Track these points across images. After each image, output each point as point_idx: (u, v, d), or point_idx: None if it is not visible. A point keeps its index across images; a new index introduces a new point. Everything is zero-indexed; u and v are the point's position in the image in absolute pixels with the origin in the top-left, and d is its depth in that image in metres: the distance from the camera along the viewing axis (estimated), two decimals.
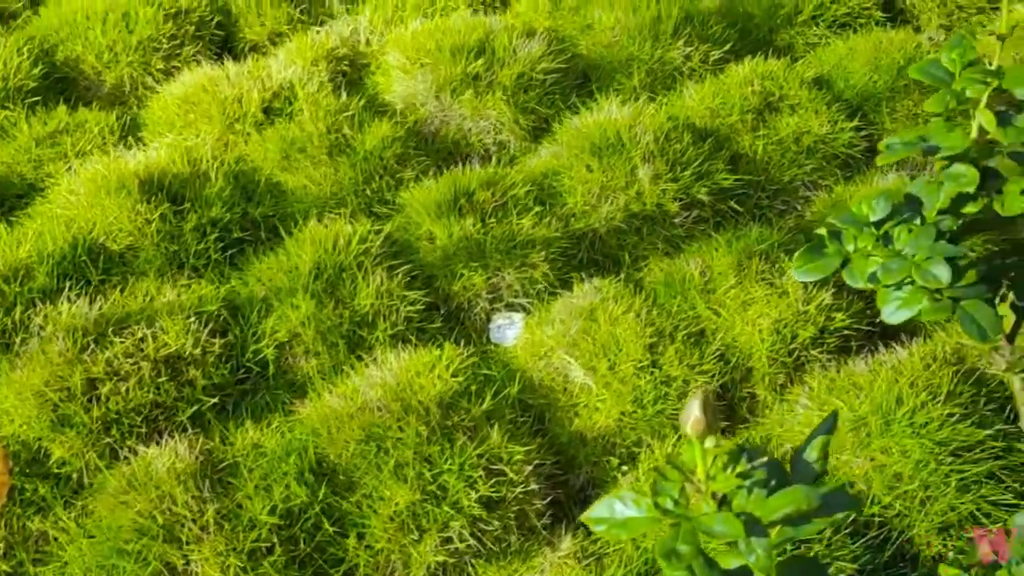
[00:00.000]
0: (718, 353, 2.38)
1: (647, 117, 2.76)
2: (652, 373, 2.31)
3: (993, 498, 2.12)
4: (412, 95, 2.95)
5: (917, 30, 3.29)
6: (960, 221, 1.42)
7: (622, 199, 2.64)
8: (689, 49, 3.01)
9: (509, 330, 2.52)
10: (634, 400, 2.28)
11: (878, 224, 1.40)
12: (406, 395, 2.20)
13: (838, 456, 2.18)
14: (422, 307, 2.46)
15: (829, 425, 1.16)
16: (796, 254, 1.45)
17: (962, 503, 2.12)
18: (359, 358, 2.36)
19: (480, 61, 2.91)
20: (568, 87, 3.02)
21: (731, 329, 2.41)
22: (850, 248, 1.39)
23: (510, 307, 2.55)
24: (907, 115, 2.92)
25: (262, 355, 2.35)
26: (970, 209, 1.43)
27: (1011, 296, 1.47)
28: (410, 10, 3.26)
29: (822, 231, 1.42)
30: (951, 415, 2.17)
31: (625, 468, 2.28)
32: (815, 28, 3.18)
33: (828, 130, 2.84)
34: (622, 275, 2.60)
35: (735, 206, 2.72)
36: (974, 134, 1.43)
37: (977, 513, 2.10)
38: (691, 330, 2.41)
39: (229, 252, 2.56)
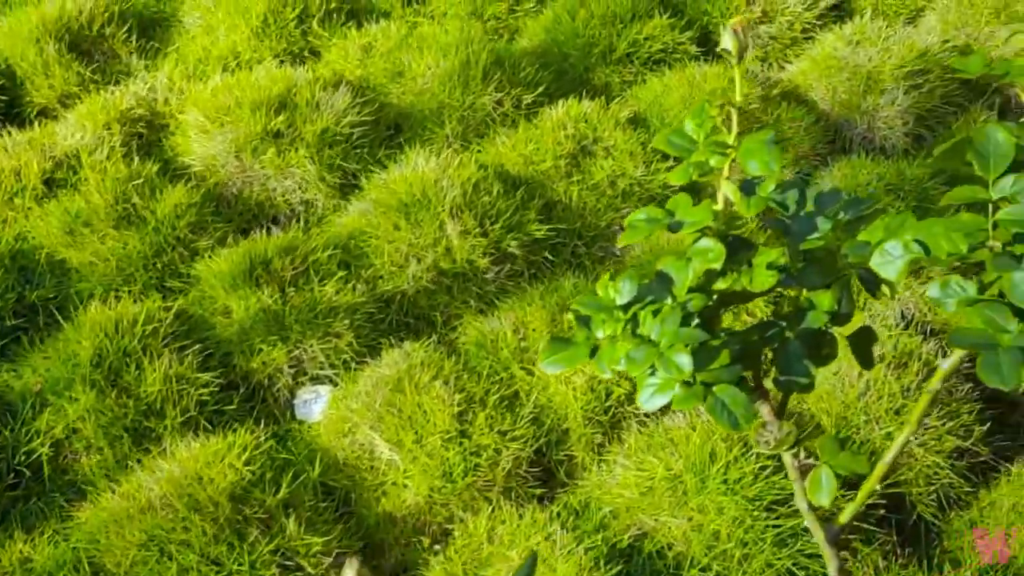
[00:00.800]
0: (532, 416, 2.28)
1: (455, 169, 2.66)
2: (461, 443, 2.20)
3: (809, 551, 2.07)
4: (212, 156, 2.79)
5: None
6: (713, 297, 1.35)
7: (431, 257, 2.53)
8: (500, 95, 2.93)
9: (315, 404, 2.38)
10: (443, 474, 2.16)
11: (625, 307, 1.33)
12: (194, 489, 2.04)
13: (656, 517, 2.11)
14: (217, 388, 2.31)
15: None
16: (543, 343, 1.35)
17: (779, 559, 2.06)
18: (146, 451, 2.19)
19: (281, 117, 2.77)
20: (378, 139, 2.90)
21: (545, 389, 2.32)
22: (600, 335, 1.31)
23: (316, 380, 2.41)
24: None
25: (36, 455, 2.16)
26: (720, 285, 1.36)
27: (773, 371, 1.41)
28: (213, 63, 3.11)
29: (572, 315, 1.34)
30: (763, 468, 2.12)
31: (437, 547, 2.16)
32: (631, 65, 3.13)
33: (644, 172, 2.79)
34: (434, 337, 2.49)
35: (550, 256, 2.63)
36: (720, 205, 1.37)
37: (794, 568, 2.05)
38: (504, 393, 2.31)
39: (1, 343, 2.37)
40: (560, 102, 2.95)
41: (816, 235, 1.42)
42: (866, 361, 1.48)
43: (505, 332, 2.41)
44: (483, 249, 2.54)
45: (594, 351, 1.31)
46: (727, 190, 1.33)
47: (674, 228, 1.33)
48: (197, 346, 2.34)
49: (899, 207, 2.72)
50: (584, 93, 3.04)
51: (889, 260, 1.29)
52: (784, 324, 1.41)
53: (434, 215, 2.56)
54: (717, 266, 1.32)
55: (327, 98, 2.84)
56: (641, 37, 3.15)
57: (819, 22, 3.34)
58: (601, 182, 2.76)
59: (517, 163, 2.79)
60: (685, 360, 1.23)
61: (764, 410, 1.46)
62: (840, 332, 1.45)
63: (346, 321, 2.41)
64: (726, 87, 2.99)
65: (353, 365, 2.40)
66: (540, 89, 3.00)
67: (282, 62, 3.12)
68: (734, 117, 1.33)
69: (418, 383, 2.28)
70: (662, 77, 3.09)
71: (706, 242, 1.33)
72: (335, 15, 3.26)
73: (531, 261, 2.61)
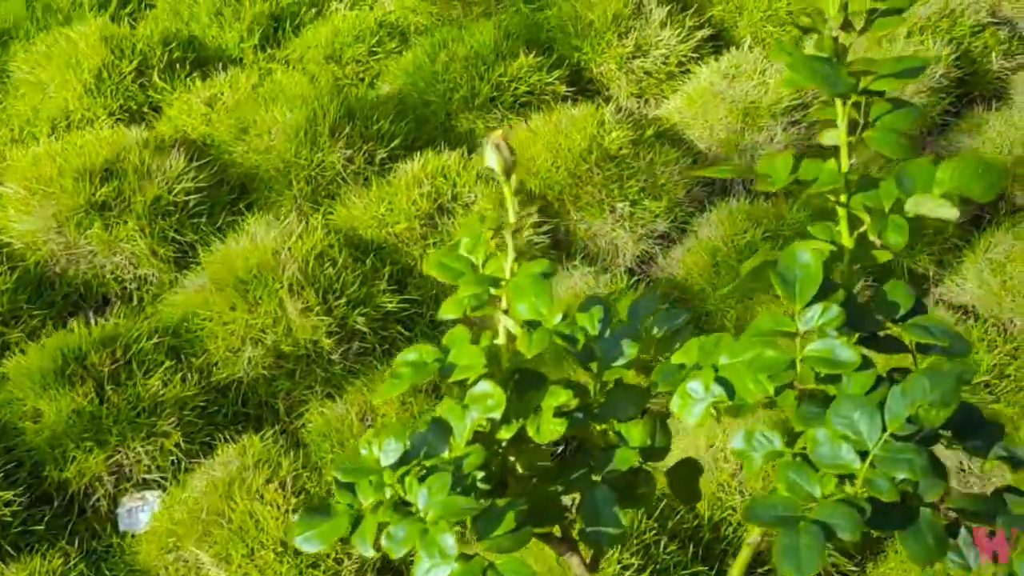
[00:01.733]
0: None
1: (298, 238, 2.45)
2: (298, 556, 1.99)
3: None
4: (32, 232, 2.54)
5: (608, 100, 3.11)
6: (496, 455, 1.17)
7: (270, 339, 2.31)
8: (351, 151, 2.72)
9: (141, 513, 2.15)
10: None
11: (395, 466, 1.14)
12: None
13: None
14: (22, 505, 2.07)
15: None
16: (298, 515, 1.16)
17: None
18: None
19: (108, 186, 2.54)
20: (220, 204, 2.68)
21: None
22: (364, 502, 1.12)
23: (142, 485, 2.18)
24: (593, 202, 2.71)
25: None
26: (504, 435, 1.18)
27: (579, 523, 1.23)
28: (42, 124, 2.86)
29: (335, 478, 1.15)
30: None
31: None
32: (495, 110, 2.94)
33: None
34: (277, 427, 2.28)
35: (402, 331, 2.43)
36: (502, 339, 1.18)
37: None
38: None
39: None
40: (418, 155, 2.75)
41: (621, 361, 1.24)
42: (690, 496, 1.31)
43: (351, 419, 2.20)
44: (327, 328, 2.33)
45: (358, 522, 1.11)
46: (508, 324, 1.14)
47: (445, 372, 1.14)
48: (3, 457, 2.11)
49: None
50: (445, 143, 2.85)
51: (690, 402, 1.11)
52: (591, 465, 1.23)
53: (272, 292, 2.34)
54: (497, 415, 1.13)
55: (160, 162, 2.61)
56: (506, 79, 2.96)
57: (695, 55, 3.18)
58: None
59: (369, 226, 2.59)
60: (449, 542, 1.03)
61: (574, 563, 1.27)
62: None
63: (174, 418, 2.19)
64: (596, 132, 2.81)
65: (184, 466, 2.18)
66: (396, 142, 2.79)
67: (118, 121, 2.88)
68: (509, 243, 1.14)
69: (251, 487, 2.07)
70: (529, 121, 2.90)
71: (485, 386, 1.14)
72: (178, 66, 3.03)
73: (382, 337, 2.41)
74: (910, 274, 2.75)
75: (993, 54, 3.35)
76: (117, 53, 2.97)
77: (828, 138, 1.17)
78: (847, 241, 1.14)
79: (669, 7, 3.24)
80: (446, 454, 1.14)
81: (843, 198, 1.15)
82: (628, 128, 2.89)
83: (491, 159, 1.12)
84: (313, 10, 3.33)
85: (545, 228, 2.67)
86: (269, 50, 3.20)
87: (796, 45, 1.22)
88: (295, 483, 2.09)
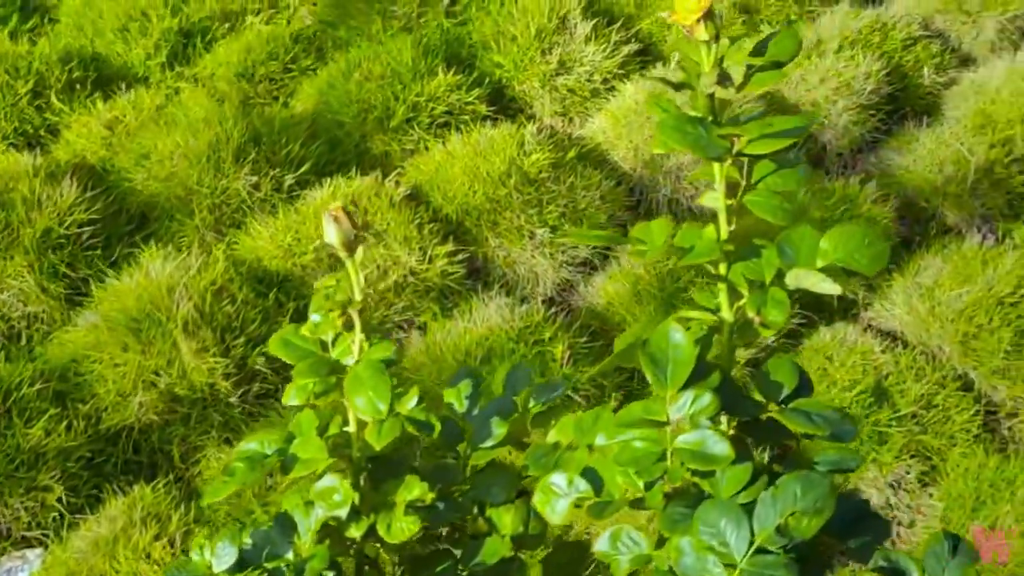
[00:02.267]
0: None
1: (195, 273, 2.32)
2: None
3: None
4: None
5: (531, 119, 3.00)
6: (349, 551, 1.06)
7: (164, 382, 2.19)
8: (257, 177, 2.59)
9: (21, 573, 2.02)
10: None
11: (230, 572, 1.03)
12: None
13: None
14: None
15: None
16: None
17: None
18: None
19: None
20: (117, 235, 2.54)
21: None
22: None
23: (22, 543, 2.05)
24: (511, 228, 2.60)
25: None
26: (353, 533, 1.07)
27: None
28: None
29: None
30: None
31: None
32: (412, 132, 2.82)
33: (419, 259, 2.49)
34: (171, 476, 2.16)
35: None
36: (353, 427, 1.07)
37: None
38: None
39: None
40: (329, 180, 2.63)
41: (490, 442, 1.14)
42: None
43: None
44: (224, 369, 2.21)
45: None
46: (354, 411, 1.04)
47: (286, 467, 1.03)
48: None
49: (687, 295, 2.48)
50: (359, 167, 2.73)
51: (552, 498, 1.01)
52: (455, 558, 1.13)
53: (166, 332, 2.22)
54: (343, 513, 1.02)
55: (52, 191, 2.47)
56: (423, 99, 2.85)
57: (622, 71, 3.08)
58: (370, 275, 2.45)
59: (276, 257, 2.47)
60: None
61: None
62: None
63: (57, 470, 2.06)
64: (516, 155, 2.71)
65: (67, 522, 2.05)
66: (306, 166, 2.67)
67: (12, 146, 2.73)
68: (356, 322, 1.04)
69: (137, 544, 1.94)
70: (447, 144, 2.79)
71: (330, 480, 1.03)
72: (78, 85, 2.88)
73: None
74: (838, 298, 2.68)
75: (925, 68, 3.29)
76: (12, 73, 2.82)
77: (708, 200, 1.08)
78: (728, 314, 1.05)
79: (595, 21, 3.14)
80: (290, 555, 1.03)
81: (722, 268, 1.05)
82: (549, 150, 2.79)
83: (330, 234, 1.02)
84: (226, 24, 3.20)
85: (461, 257, 2.56)
86: (178, 68, 3.06)
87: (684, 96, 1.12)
88: (184, 540, 1.96)
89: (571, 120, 3.04)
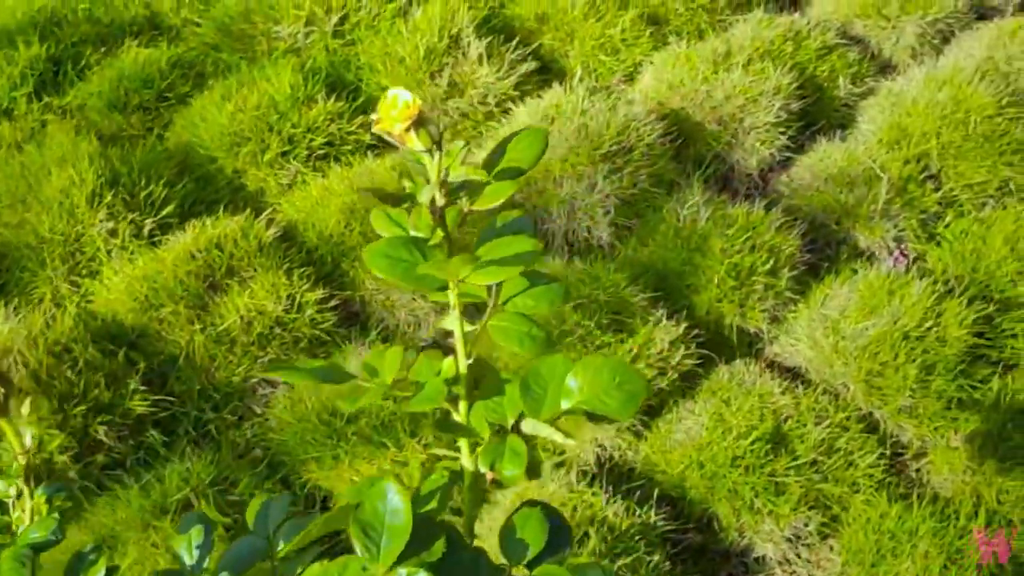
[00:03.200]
0: None
1: (36, 333, 2.15)
2: None
3: None
4: None
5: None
6: None
7: None
8: (113, 223, 2.42)
9: None
10: None
11: None
12: None
13: None
14: None
15: None
16: None
17: None
18: None
19: None
20: None
21: None
22: None
23: None
24: None
25: None
26: None
27: None
28: None
29: None
30: None
31: None
32: (289, 165, 2.66)
33: (286, 307, 2.33)
34: None
35: (158, 435, 2.15)
36: None
37: None
38: None
39: None
40: (194, 223, 2.46)
41: None
42: None
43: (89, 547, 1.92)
44: (62, 442, 2.04)
45: None
46: None
47: None
48: None
49: (589, 330, 2.33)
50: (230, 206, 2.57)
51: None
52: None
53: None
54: None
55: None
56: (300, 130, 2.68)
57: (518, 92, 2.93)
58: (233, 327, 2.28)
59: (132, 310, 2.30)
60: None
61: None
62: None
63: None
64: (398, 188, 2.54)
65: None
66: (171, 207, 2.50)
67: None
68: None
69: None
70: (326, 177, 2.63)
71: None
72: None
73: (134, 445, 2.13)
74: (739, 332, 2.53)
75: (840, 79, 3.14)
76: None
77: (448, 323, 0.92)
78: (469, 463, 0.90)
79: (491, 39, 2.98)
80: None
81: (462, 409, 0.90)
82: None
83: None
84: (102, 49, 3.01)
85: (334, 302, 2.40)
86: (46, 98, 2.87)
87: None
88: None
89: (464, 146, 2.87)
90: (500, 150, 0.88)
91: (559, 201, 2.66)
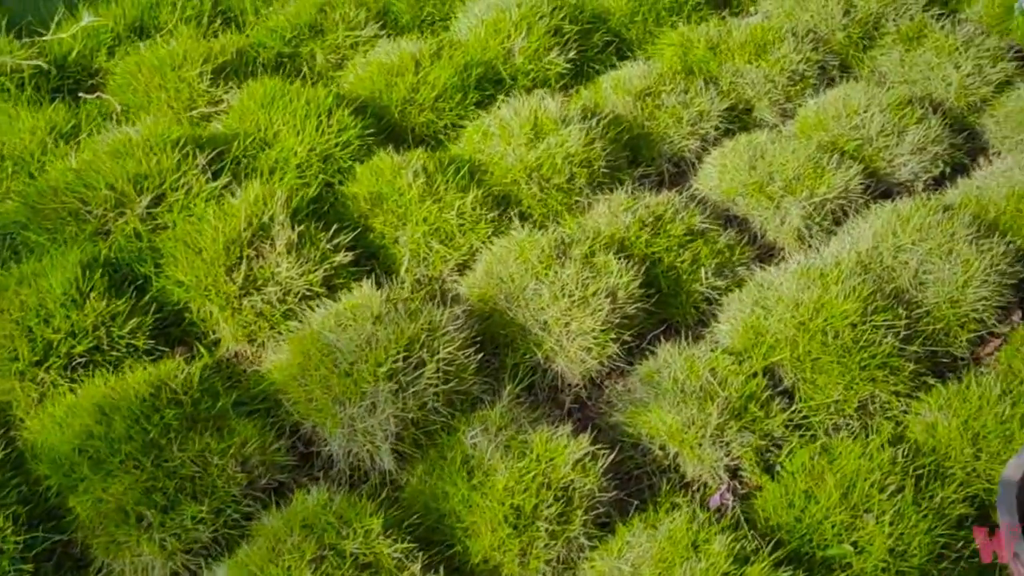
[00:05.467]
0: None
1: None
2: None
3: None
4: None
5: (216, 345, 2.60)
6: None
7: None
8: None
9: None
10: None
11: None
12: None
13: None
14: None
15: None
16: None
17: None
18: None
19: None
20: None
21: None
22: None
23: None
24: (118, 509, 2.18)
25: None
26: None
27: None
28: None
29: None
30: None
31: None
32: (46, 374, 2.43)
33: None
34: None
35: None
36: None
37: None
38: None
39: None
40: None
41: None
42: None
43: None
44: None
45: None
46: None
47: None
48: None
49: None
50: None
51: None
52: None
53: None
54: None
55: None
56: (61, 336, 2.46)
57: (324, 288, 2.67)
58: None
59: None
60: None
61: None
62: None
63: None
64: (159, 406, 2.30)
65: None
66: None
67: None
68: None
69: None
70: (79, 389, 2.39)
71: None
72: None
73: None
74: None
75: (703, 269, 2.83)
76: None
77: None
78: None
79: (304, 226, 2.74)
80: None
81: None
82: (208, 396, 2.38)
83: None
84: None
85: (46, 547, 2.14)
86: None
87: None
88: None
89: (259, 347, 2.63)
90: None
91: (337, 422, 2.39)
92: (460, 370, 2.47)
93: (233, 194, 2.83)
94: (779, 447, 2.47)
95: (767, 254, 3.04)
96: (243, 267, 2.62)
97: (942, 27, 3.64)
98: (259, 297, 2.62)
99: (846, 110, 3.29)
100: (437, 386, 2.42)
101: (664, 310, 2.79)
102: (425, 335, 2.45)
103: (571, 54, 3.49)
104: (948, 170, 3.27)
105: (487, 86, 3.36)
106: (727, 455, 2.43)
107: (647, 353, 2.67)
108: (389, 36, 3.61)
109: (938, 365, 2.70)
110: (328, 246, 2.73)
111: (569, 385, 2.62)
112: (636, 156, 3.24)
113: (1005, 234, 2.93)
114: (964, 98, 3.46)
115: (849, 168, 3.10)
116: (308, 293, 2.65)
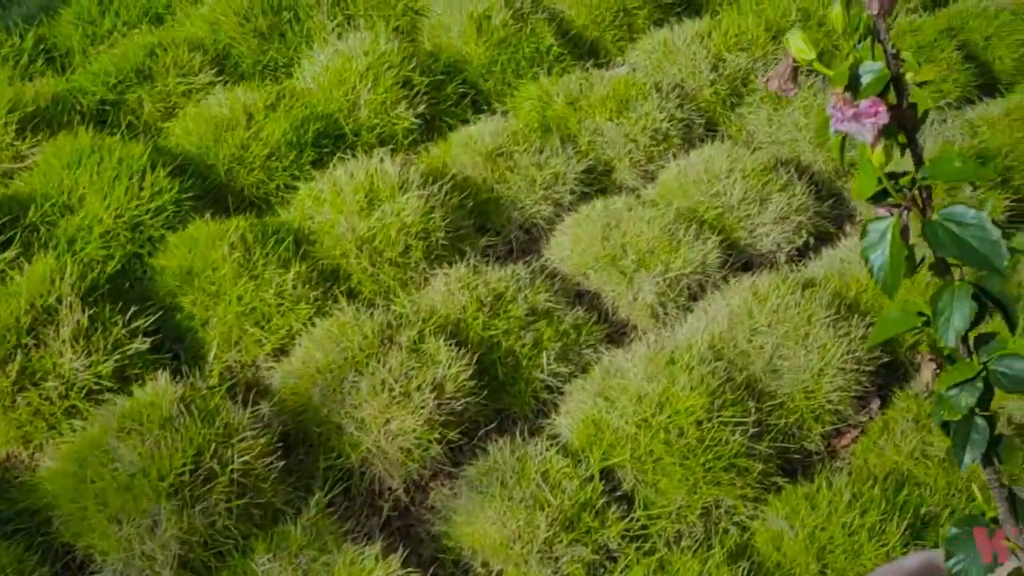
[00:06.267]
0: None
1: None
2: None
3: None
4: None
5: None
6: None
7: None
8: None
9: None
10: None
11: None
12: None
13: None
14: None
15: None
16: None
17: None
18: None
19: None
20: None
21: None
22: None
23: None
24: None
25: None
26: None
27: None
28: None
29: None
30: None
31: None
32: None
33: None
34: None
35: None
36: None
37: None
38: None
39: None
40: None
41: None
42: None
43: None
44: None
45: None
46: None
47: None
48: None
49: None
50: None
51: None
52: None
53: None
54: None
55: None
56: None
57: (116, 380, 2.38)
58: None
59: None
60: None
61: None
62: None
63: None
64: None
65: None
66: None
67: None
68: None
69: None
70: None
71: None
72: None
73: None
74: None
75: (544, 356, 2.61)
76: None
77: None
78: None
79: (98, 308, 2.45)
80: None
81: None
82: None
83: None
84: None
85: None
86: None
87: None
88: None
89: (38, 449, 2.33)
90: None
91: (113, 544, 2.10)
92: (259, 480, 2.21)
93: (21, 269, 2.53)
94: (614, 560, 2.25)
95: (619, 333, 2.84)
96: (18, 358, 2.31)
97: (811, 86, 3.49)
98: (36, 392, 2.31)
99: (707, 175, 3.11)
100: (230, 500, 2.15)
101: (500, 400, 2.56)
102: (217, 443, 2.18)
103: (421, 108, 3.25)
104: (812, 240, 3.11)
105: (326, 143, 3.10)
106: (555, 572, 2.20)
107: (478, 451, 2.43)
108: (226, 83, 3.33)
109: (790, 462, 2.51)
110: (124, 332, 2.44)
111: (389, 489, 2.37)
112: (484, 223, 3.01)
113: (865, 315, 2.76)
114: (831, 161, 3.31)
115: (707, 240, 2.90)
116: (96, 387, 2.35)
